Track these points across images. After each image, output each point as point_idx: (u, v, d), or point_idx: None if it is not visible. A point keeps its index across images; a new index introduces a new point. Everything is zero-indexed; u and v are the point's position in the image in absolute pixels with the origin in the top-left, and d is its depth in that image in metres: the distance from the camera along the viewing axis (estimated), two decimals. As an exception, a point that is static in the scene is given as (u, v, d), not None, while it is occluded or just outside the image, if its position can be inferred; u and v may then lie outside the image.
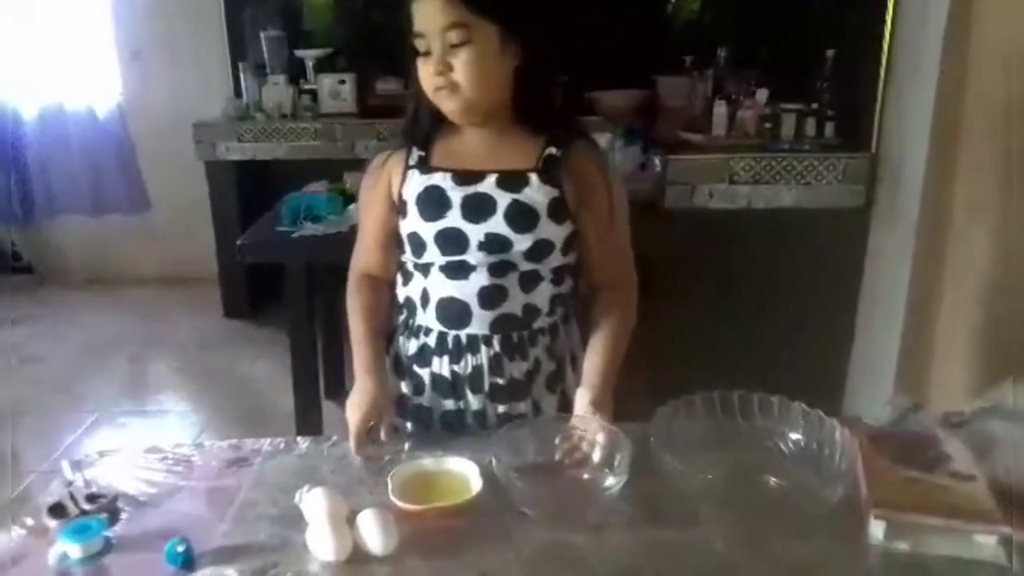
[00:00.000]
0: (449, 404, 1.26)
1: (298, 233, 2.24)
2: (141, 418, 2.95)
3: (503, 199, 1.17)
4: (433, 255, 1.20)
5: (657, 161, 2.52)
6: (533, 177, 1.18)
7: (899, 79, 2.34)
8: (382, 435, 1.16)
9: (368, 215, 1.28)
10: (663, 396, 1.09)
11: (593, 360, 1.20)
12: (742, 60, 3.15)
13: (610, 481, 0.97)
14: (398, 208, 1.23)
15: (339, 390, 3.01)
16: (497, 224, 1.17)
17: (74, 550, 0.92)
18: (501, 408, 1.24)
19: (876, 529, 0.91)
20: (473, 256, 1.18)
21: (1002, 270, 1.75)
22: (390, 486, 1.00)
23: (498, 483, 0.99)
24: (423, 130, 1.22)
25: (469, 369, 1.23)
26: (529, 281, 1.21)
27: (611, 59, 3.77)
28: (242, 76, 3.69)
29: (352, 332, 1.27)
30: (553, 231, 1.18)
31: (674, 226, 2.55)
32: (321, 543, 0.90)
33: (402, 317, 1.30)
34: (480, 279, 1.19)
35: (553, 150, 1.19)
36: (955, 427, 1.15)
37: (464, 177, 1.19)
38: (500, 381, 1.23)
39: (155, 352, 3.53)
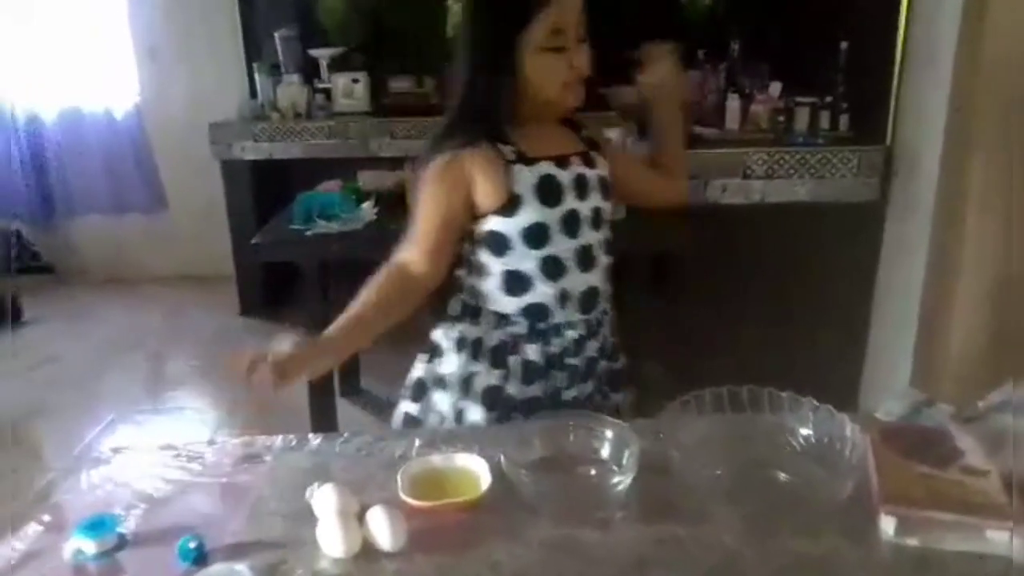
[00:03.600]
0: (535, 389, 1.29)
1: (312, 232, 2.25)
2: (158, 416, 2.98)
3: (592, 175, 1.28)
4: (558, 241, 1.24)
5: (670, 156, 2.51)
6: (595, 155, 1.30)
7: (914, 71, 2.32)
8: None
9: (435, 213, 1.21)
10: (676, 391, 1.09)
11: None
12: (755, 53, 3.13)
13: (618, 477, 0.98)
14: (503, 207, 1.20)
15: (354, 389, 3.04)
16: (596, 199, 1.27)
17: (89, 546, 0.93)
18: (574, 390, 1.30)
19: (887, 525, 0.91)
20: (587, 235, 1.26)
21: (1019, 262, 1.73)
22: (400, 483, 1.00)
23: (507, 480, 0.99)
24: (501, 126, 1.22)
25: (559, 350, 1.29)
26: (606, 254, 1.31)
27: (624, 53, 3.79)
28: (257, 76, 3.72)
29: (352, 304, 1.20)
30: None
31: (688, 222, 2.54)
32: (331, 539, 0.91)
33: (513, 328, 1.27)
34: (603, 261, 1.30)
35: (583, 131, 1.33)
36: (969, 422, 1.14)
37: (562, 161, 1.26)
38: (575, 362, 1.30)
39: (172, 350, 3.56)
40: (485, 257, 1.26)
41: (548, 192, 1.22)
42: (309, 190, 2.52)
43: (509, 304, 1.26)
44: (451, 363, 1.32)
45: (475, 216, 1.23)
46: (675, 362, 2.31)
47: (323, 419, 2.39)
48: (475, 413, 1.29)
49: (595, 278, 1.29)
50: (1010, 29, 1.75)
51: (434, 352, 1.36)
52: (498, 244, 1.23)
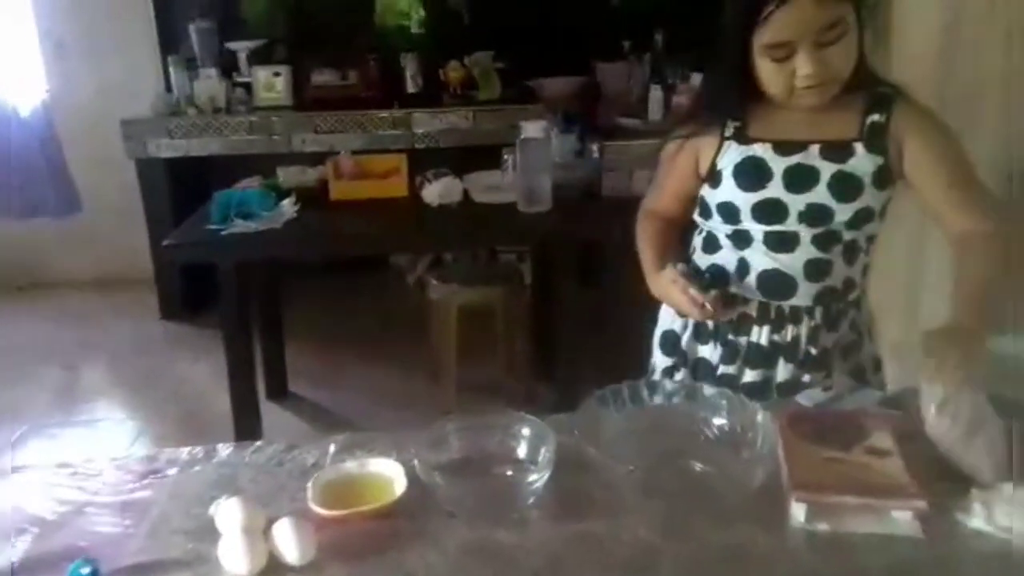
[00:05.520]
0: (756, 374, 1.29)
1: (228, 231, 2.17)
2: (74, 428, 2.84)
3: (827, 169, 1.19)
4: (749, 225, 1.24)
5: (594, 148, 2.51)
6: (858, 147, 1.19)
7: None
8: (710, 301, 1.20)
9: (669, 171, 1.35)
10: (603, 384, 1.09)
11: (957, 292, 1.13)
12: (679, 44, 3.16)
13: (534, 475, 0.96)
14: (708, 177, 1.28)
15: (281, 391, 2.96)
16: (819, 194, 1.19)
17: (-30, 577, 0.87)
18: (806, 377, 1.27)
19: (797, 511, 0.92)
20: (793, 226, 1.21)
21: (918, 259, 1.79)
22: (310, 492, 0.97)
23: (422, 484, 0.97)
24: (734, 103, 1.24)
25: (788, 339, 1.27)
26: (851, 252, 1.24)
27: (551, 45, 3.78)
28: (172, 70, 3.57)
29: (641, 250, 1.36)
30: (875, 198, 1.20)
31: (614, 212, 2.55)
32: (234, 556, 0.87)
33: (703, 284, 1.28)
34: (806, 252, 1.22)
35: (876, 116, 1.19)
36: (887, 405, 1.17)
37: (785, 148, 1.21)
38: (813, 351, 1.27)
39: (89, 358, 3.41)
40: (697, 215, 1.35)
41: (746, 174, 1.22)
42: (229, 188, 2.44)
43: (702, 261, 1.34)
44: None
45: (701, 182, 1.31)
46: (600, 354, 2.33)
47: (246, 424, 2.31)
48: (657, 357, 1.41)
49: (789, 265, 1.23)
50: (916, 31, 1.80)
51: None
52: (704, 209, 1.32)
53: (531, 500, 0.96)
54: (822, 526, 0.91)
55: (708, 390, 1.08)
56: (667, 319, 1.41)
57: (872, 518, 0.90)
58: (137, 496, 1.03)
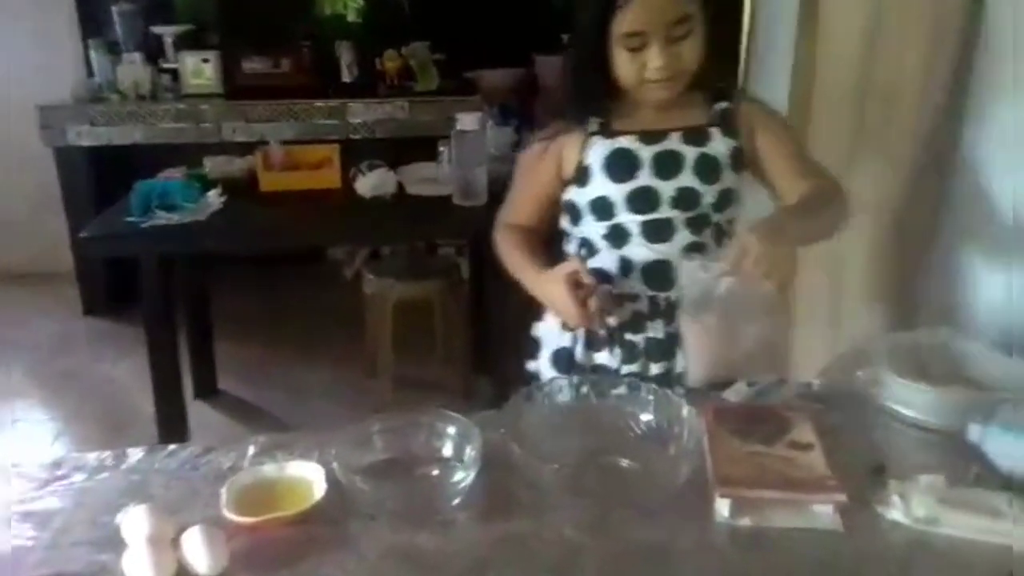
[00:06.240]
0: (660, 367, 1.28)
1: (149, 223, 2.08)
2: (-13, 430, 2.70)
3: (690, 153, 1.25)
4: (624, 218, 1.26)
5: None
6: (714, 131, 1.27)
7: (758, 64, 2.40)
8: (595, 300, 1.19)
9: (531, 177, 1.35)
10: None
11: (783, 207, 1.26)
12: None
13: (459, 475, 0.94)
14: (575, 178, 1.29)
15: (210, 390, 2.87)
16: (686, 178, 1.24)
17: None
18: None
19: (721, 507, 0.92)
20: (667, 213, 1.24)
21: (849, 241, 1.82)
22: (223, 498, 0.92)
23: (343, 487, 0.94)
24: (598, 96, 1.26)
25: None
26: (720, 235, 1.28)
27: (490, 37, 3.75)
28: (93, 54, 3.41)
29: (514, 264, 1.33)
30: (733, 180, 1.27)
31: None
32: (140, 567, 0.82)
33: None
34: (682, 238, 1.25)
35: (724, 104, 1.29)
36: (810, 399, 1.19)
37: (649, 137, 1.26)
38: None
39: (7, 356, 3.23)
40: (565, 224, 1.35)
41: (615, 166, 1.25)
42: (148, 178, 2.33)
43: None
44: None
45: (564, 185, 1.32)
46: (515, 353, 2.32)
47: (171, 424, 2.23)
48: (548, 373, 1.37)
49: (669, 253, 1.25)
50: (840, 19, 1.83)
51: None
52: (573, 214, 1.32)
53: (456, 501, 0.94)
54: (745, 521, 0.91)
55: (635, 384, 1.07)
56: (553, 337, 1.38)
57: (794, 512, 0.91)
58: (39, 506, 0.97)
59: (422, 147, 2.71)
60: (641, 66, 1.19)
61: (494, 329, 2.52)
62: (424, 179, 2.45)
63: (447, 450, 1.02)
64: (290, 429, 2.72)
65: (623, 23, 1.16)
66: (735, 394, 1.19)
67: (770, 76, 2.27)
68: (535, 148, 1.33)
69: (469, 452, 0.96)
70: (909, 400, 1.10)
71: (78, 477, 1.03)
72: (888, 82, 1.68)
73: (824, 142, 1.94)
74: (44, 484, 1.02)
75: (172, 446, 1.10)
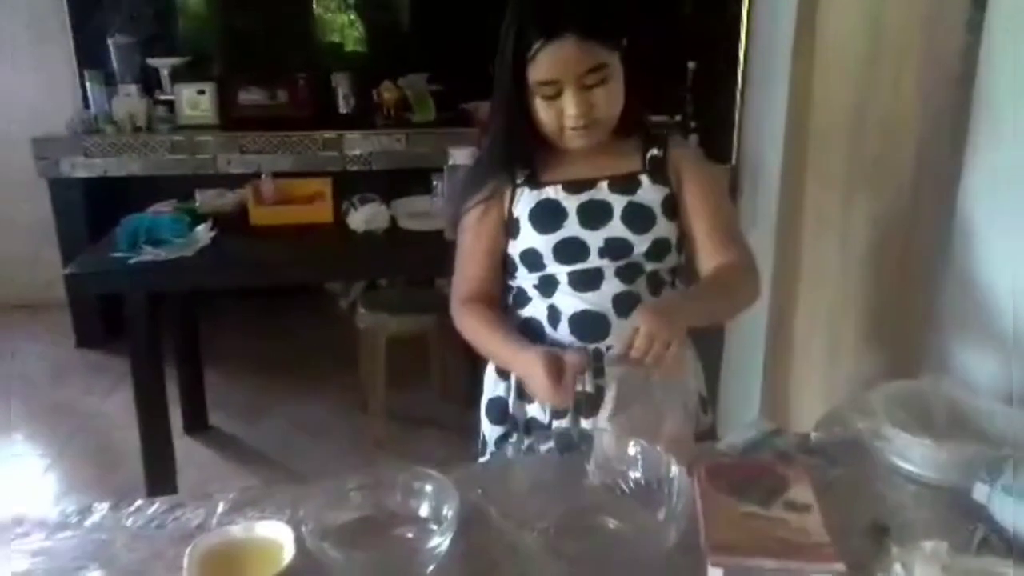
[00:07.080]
0: (589, 423, 1.17)
1: (136, 259, 2.04)
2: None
3: (618, 202, 1.22)
4: (553, 268, 1.22)
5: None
6: (644, 178, 1.24)
7: (755, 90, 2.38)
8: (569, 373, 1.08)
9: (479, 235, 1.28)
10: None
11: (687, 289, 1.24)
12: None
13: (435, 540, 0.89)
14: (507, 230, 1.26)
15: (200, 425, 2.82)
16: (615, 227, 1.21)
17: None
18: None
19: (714, 575, 0.86)
20: (596, 262, 1.21)
21: (849, 280, 1.78)
22: (186, 562, 0.87)
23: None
24: (520, 152, 1.24)
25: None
26: (655, 284, 1.23)
27: (487, 69, 3.74)
28: (89, 86, 3.40)
29: (484, 341, 1.25)
30: (668, 229, 1.23)
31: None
32: (90, 643, 0.77)
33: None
34: (612, 287, 1.21)
35: (655, 151, 1.25)
36: (808, 452, 1.14)
37: (575, 186, 1.23)
38: None
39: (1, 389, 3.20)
40: (505, 276, 1.31)
41: (541, 217, 1.22)
42: (140, 212, 2.30)
43: (514, 317, 1.29)
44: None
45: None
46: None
47: (157, 461, 2.18)
48: (487, 427, 1.33)
49: (597, 303, 1.20)
50: (835, 45, 1.81)
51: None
52: (508, 265, 1.28)
53: (431, 568, 0.89)
54: (739, 589, 0.86)
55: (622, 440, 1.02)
56: (490, 385, 1.34)
57: (790, 580, 0.85)
58: (-9, 569, 0.93)
59: (419, 179, 2.68)
60: (558, 113, 1.17)
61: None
62: (417, 213, 2.42)
63: (424, 510, 0.97)
64: (281, 466, 2.70)
65: (537, 71, 1.14)
66: (729, 447, 1.14)
67: (766, 105, 2.25)
68: (475, 211, 1.27)
69: (446, 512, 0.91)
70: (911, 455, 1.06)
71: (37, 537, 0.98)
72: (886, 110, 1.65)
73: (821, 172, 1.91)
74: None
75: (139, 501, 1.05)
